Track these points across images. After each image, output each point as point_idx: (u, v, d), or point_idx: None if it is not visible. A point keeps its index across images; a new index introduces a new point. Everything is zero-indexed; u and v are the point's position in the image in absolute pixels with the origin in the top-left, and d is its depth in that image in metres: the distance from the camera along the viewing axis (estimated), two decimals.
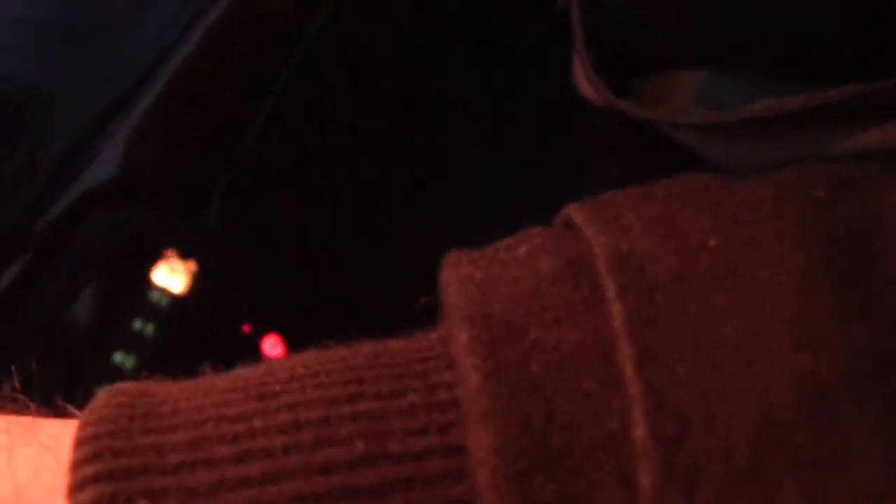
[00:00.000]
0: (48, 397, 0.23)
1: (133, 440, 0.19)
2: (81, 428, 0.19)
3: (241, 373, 0.21)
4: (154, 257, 0.41)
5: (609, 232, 0.20)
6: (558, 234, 0.21)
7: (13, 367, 0.23)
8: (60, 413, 0.22)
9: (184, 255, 0.42)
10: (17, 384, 0.23)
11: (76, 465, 0.19)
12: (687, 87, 0.39)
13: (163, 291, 0.41)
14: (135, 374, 0.35)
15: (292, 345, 0.40)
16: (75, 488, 0.18)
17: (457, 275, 0.21)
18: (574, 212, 0.21)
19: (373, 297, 0.43)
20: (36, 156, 0.40)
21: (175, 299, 0.41)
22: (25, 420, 0.21)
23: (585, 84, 0.41)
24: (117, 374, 0.39)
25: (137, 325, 0.41)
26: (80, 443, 0.19)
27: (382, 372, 0.20)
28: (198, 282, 0.41)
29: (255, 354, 0.40)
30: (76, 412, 0.21)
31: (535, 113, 0.46)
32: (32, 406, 0.22)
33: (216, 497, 0.18)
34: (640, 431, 0.18)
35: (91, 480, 0.18)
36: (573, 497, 0.18)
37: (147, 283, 0.41)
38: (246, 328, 0.41)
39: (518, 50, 0.46)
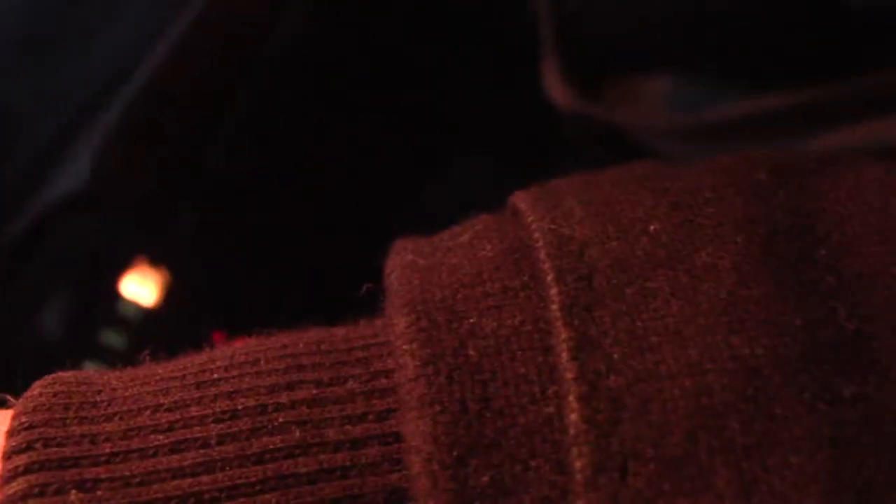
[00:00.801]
0: None
1: (67, 430, 0.19)
2: (15, 417, 0.19)
3: (182, 360, 0.21)
4: (123, 267, 0.41)
5: (550, 217, 0.20)
6: (501, 221, 0.21)
7: None
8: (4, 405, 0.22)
9: (154, 264, 0.42)
10: None
11: (8, 455, 0.19)
12: (654, 93, 0.39)
13: (132, 302, 0.41)
14: None
15: None
16: (7, 479, 0.18)
17: (400, 261, 0.21)
18: (518, 198, 0.21)
19: (352, 305, 0.43)
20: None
21: (145, 309, 0.41)
22: None
23: (555, 89, 0.41)
24: None
25: (107, 336, 0.41)
26: (12, 433, 0.19)
27: (323, 359, 0.20)
28: (168, 291, 0.41)
29: None
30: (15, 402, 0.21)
31: (512, 120, 0.46)
32: None
33: (149, 487, 0.18)
34: (574, 416, 0.18)
35: (22, 471, 0.18)
36: (508, 483, 0.18)
37: (116, 294, 0.41)
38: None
39: (496, 57, 0.46)
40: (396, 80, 0.44)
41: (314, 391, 0.19)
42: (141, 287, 0.41)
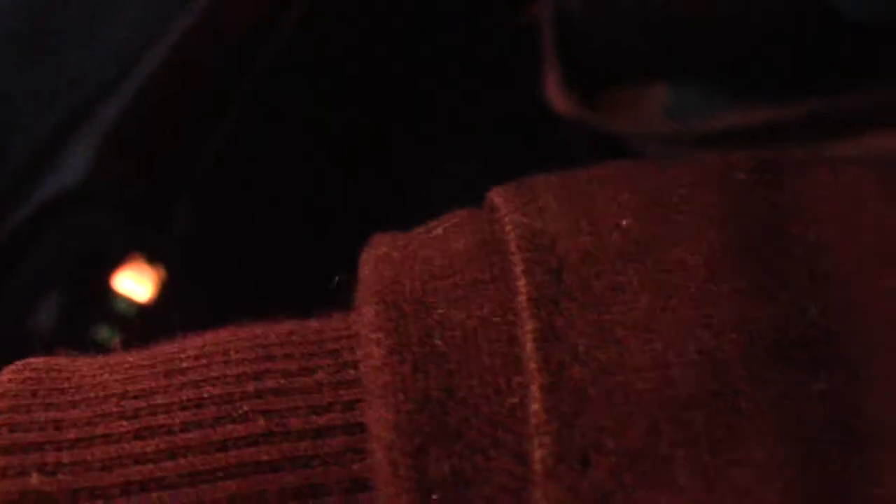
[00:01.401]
0: None
1: (32, 415, 0.19)
2: None
3: (153, 349, 0.21)
4: (117, 263, 0.41)
5: (523, 211, 0.21)
6: (476, 215, 0.21)
7: None
8: None
9: (149, 261, 0.42)
10: None
11: None
12: (654, 101, 0.39)
13: (126, 298, 0.41)
14: None
15: None
16: None
17: (374, 254, 0.21)
18: (495, 193, 0.22)
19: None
20: None
21: (140, 307, 0.41)
22: None
23: (556, 97, 0.42)
24: None
25: (100, 332, 0.41)
26: None
27: (293, 350, 0.20)
28: (164, 289, 0.41)
29: None
30: None
31: (508, 125, 0.46)
32: None
33: (111, 472, 0.18)
34: (536, 406, 0.18)
35: None
36: (468, 472, 0.18)
37: (111, 291, 0.41)
38: None
39: (490, 62, 0.46)
40: (392, 82, 0.45)
41: (281, 381, 0.19)
42: (135, 283, 0.41)
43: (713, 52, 0.36)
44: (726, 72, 0.37)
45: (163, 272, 0.41)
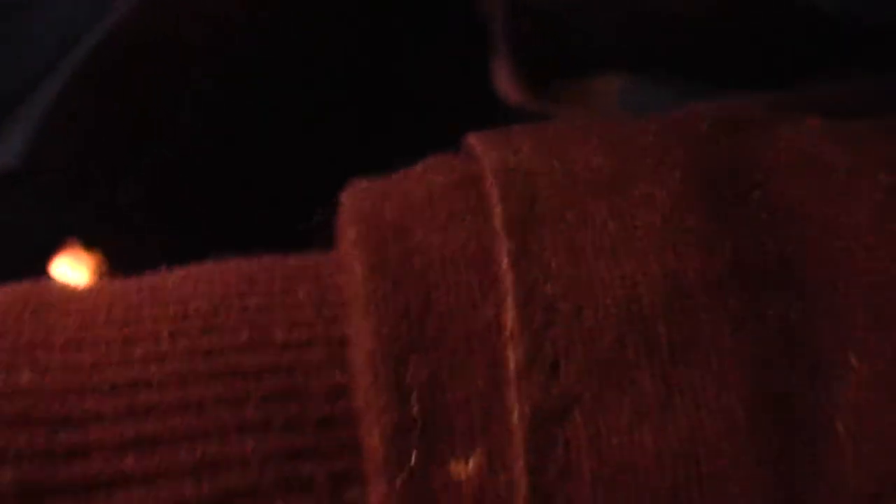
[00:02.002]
0: None
1: (22, 323, 0.21)
2: None
3: (136, 278, 0.23)
4: (54, 248, 0.42)
5: (499, 152, 0.23)
6: (454, 157, 0.24)
7: None
8: None
9: (87, 246, 0.43)
10: None
11: None
12: (608, 91, 0.41)
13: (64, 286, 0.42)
14: None
15: None
16: None
17: (355, 188, 0.23)
18: (472, 137, 0.24)
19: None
20: None
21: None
22: None
23: (509, 88, 0.43)
24: None
25: None
26: None
27: (275, 273, 0.22)
28: (101, 274, 0.42)
29: None
30: None
31: (466, 115, 0.47)
32: None
33: (100, 372, 0.20)
34: (510, 319, 0.20)
35: None
36: (445, 379, 0.20)
37: (46, 276, 0.42)
38: None
39: (443, 54, 0.47)
40: (338, 83, 0.46)
41: (265, 299, 0.21)
42: (72, 270, 0.42)
43: (666, 44, 0.39)
44: (680, 63, 0.39)
45: (100, 257, 0.42)
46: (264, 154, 0.44)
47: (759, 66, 0.37)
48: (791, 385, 0.20)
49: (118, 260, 0.42)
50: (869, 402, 0.19)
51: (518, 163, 0.22)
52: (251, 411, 0.20)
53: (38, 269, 0.42)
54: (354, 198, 0.23)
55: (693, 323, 0.20)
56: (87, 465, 0.19)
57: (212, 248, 0.42)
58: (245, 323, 0.21)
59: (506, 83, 0.43)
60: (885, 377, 0.19)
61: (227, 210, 0.44)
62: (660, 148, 0.23)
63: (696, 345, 0.20)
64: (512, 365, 0.20)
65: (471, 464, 0.20)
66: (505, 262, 0.20)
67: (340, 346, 0.21)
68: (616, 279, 0.20)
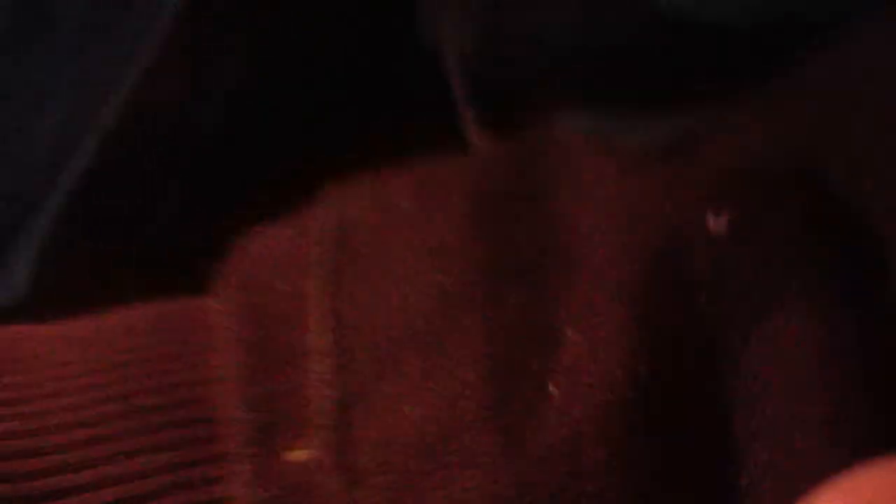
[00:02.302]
0: None
1: None
2: None
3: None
4: None
5: (332, 208, 0.30)
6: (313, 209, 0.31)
7: None
8: None
9: None
10: None
11: None
12: (572, 125, 0.46)
13: None
14: None
15: None
16: None
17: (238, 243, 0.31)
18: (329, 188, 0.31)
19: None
20: None
21: None
22: None
23: (474, 135, 0.49)
24: None
25: None
26: None
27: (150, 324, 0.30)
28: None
29: None
30: None
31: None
32: None
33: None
34: (318, 341, 0.27)
35: None
36: (281, 394, 0.27)
37: None
38: None
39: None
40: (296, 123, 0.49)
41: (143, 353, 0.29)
42: None
43: (625, 75, 0.44)
44: (619, 94, 0.44)
45: None
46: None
47: (680, 89, 0.41)
48: (521, 355, 0.26)
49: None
50: (580, 368, 0.25)
51: (342, 213, 0.29)
52: (143, 439, 0.27)
53: None
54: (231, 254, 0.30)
55: (450, 316, 0.27)
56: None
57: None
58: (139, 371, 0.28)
59: (471, 131, 0.49)
60: (594, 345, 0.25)
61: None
62: (455, 181, 0.29)
63: (452, 334, 0.26)
64: (318, 368, 0.27)
65: (303, 450, 0.26)
66: (318, 297, 0.28)
67: (206, 385, 0.28)
68: (396, 295, 0.27)
